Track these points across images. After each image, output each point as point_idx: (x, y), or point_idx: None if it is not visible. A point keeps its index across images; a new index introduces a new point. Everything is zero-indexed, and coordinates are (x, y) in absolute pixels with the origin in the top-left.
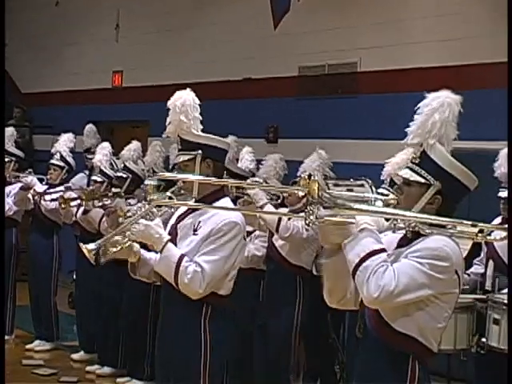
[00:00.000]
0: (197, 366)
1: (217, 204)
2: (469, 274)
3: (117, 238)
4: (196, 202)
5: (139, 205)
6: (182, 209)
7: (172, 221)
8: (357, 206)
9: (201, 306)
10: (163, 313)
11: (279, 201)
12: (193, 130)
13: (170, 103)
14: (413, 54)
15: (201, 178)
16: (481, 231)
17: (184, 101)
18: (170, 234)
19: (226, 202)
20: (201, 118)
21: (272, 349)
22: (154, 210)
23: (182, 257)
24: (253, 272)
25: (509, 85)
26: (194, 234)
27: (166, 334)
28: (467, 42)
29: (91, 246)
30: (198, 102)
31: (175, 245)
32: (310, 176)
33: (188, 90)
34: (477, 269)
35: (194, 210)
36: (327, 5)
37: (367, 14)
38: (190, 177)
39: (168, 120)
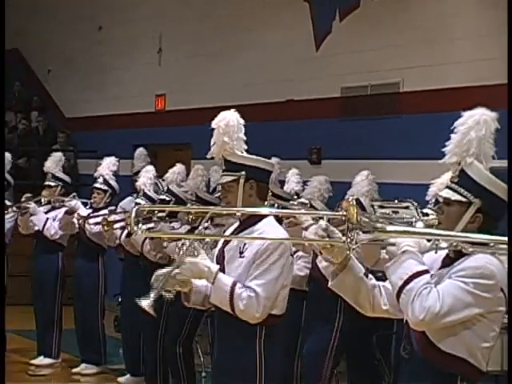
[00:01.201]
0: None
1: (261, 224)
2: None
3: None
4: (240, 222)
5: (179, 244)
6: (228, 231)
7: (219, 244)
8: (395, 228)
9: (255, 329)
10: (217, 337)
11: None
12: (236, 151)
13: (214, 124)
14: (455, 73)
15: (183, 208)
16: None
17: (228, 122)
18: (217, 257)
19: (269, 220)
20: (245, 138)
21: (304, 367)
22: (196, 243)
23: (234, 284)
24: (295, 293)
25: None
26: (241, 257)
27: (220, 358)
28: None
29: (146, 302)
30: (242, 122)
31: (223, 268)
32: (357, 200)
33: (232, 110)
34: None
35: (239, 231)
36: (368, 25)
37: (409, 34)
38: (168, 208)
39: (212, 141)
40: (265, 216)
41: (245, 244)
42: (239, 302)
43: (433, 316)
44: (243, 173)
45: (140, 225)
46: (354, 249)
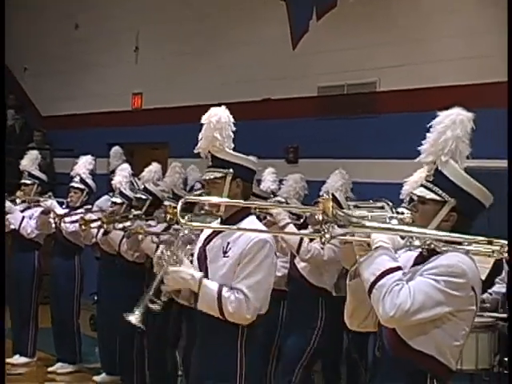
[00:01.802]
0: None
1: (243, 223)
2: (491, 293)
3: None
4: (222, 221)
5: (158, 254)
6: (208, 230)
7: (199, 243)
8: (371, 223)
9: (237, 329)
10: (198, 336)
11: (301, 221)
12: (225, 148)
13: (204, 119)
14: (432, 73)
15: (225, 200)
16: (498, 248)
17: (219, 118)
18: (198, 256)
19: (252, 220)
20: (233, 136)
21: (281, 365)
22: (178, 252)
23: (220, 289)
24: (273, 292)
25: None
26: (225, 257)
27: (200, 357)
28: (486, 61)
29: (134, 318)
30: (232, 120)
31: (206, 267)
32: (333, 196)
33: (223, 107)
34: (499, 288)
35: (220, 231)
36: (345, 25)
37: (386, 33)
38: (213, 199)
39: (201, 136)
40: (247, 215)
41: (228, 243)
42: (228, 305)
43: (403, 313)
44: (231, 170)
45: (186, 217)
46: (328, 241)
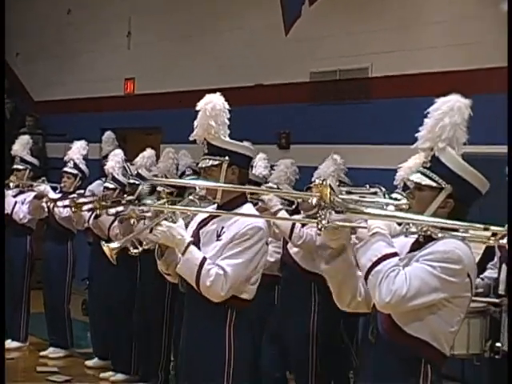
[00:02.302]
0: (220, 373)
1: (239, 210)
2: (482, 279)
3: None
4: (218, 207)
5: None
6: (204, 214)
7: (193, 226)
8: (368, 210)
9: (225, 312)
10: (186, 319)
11: (293, 207)
12: (221, 136)
13: (199, 106)
14: (425, 59)
15: (208, 183)
16: (494, 235)
17: (214, 105)
18: (192, 239)
19: (248, 207)
20: (228, 122)
21: (291, 358)
22: (178, 212)
23: (204, 259)
24: (266, 278)
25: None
26: (218, 240)
27: (188, 340)
28: (480, 46)
29: (114, 245)
30: (227, 107)
31: (199, 250)
32: (324, 181)
33: (218, 94)
34: (490, 273)
35: (217, 215)
36: (338, 10)
37: (379, 19)
38: (196, 182)
39: (196, 123)
40: (243, 202)
41: (223, 227)
42: (206, 278)
43: (399, 299)
44: (227, 158)
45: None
46: (325, 227)
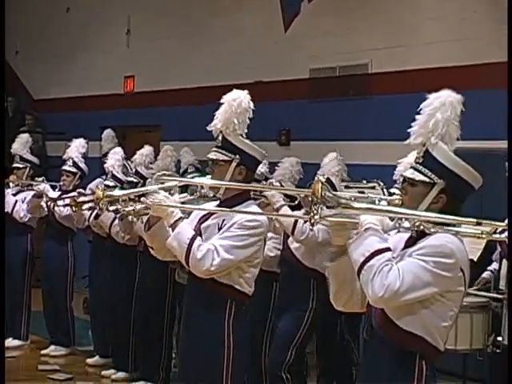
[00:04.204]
0: (219, 366)
1: (241, 206)
2: (492, 271)
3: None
4: (221, 202)
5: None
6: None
7: (194, 221)
8: (359, 204)
9: (225, 304)
10: (186, 312)
11: (296, 202)
12: (238, 134)
13: (225, 100)
14: (424, 55)
15: (210, 181)
16: (495, 232)
17: (240, 102)
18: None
19: (250, 205)
20: (248, 122)
21: (274, 346)
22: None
23: (195, 236)
24: (265, 274)
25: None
26: (218, 232)
27: (188, 332)
28: (479, 42)
29: (113, 193)
30: (252, 106)
31: None
32: (329, 180)
33: (246, 91)
34: (497, 265)
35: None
36: (337, 7)
37: (377, 15)
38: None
39: (217, 114)
40: (246, 200)
41: (224, 220)
42: (197, 251)
43: (392, 293)
44: (238, 157)
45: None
46: (317, 223)
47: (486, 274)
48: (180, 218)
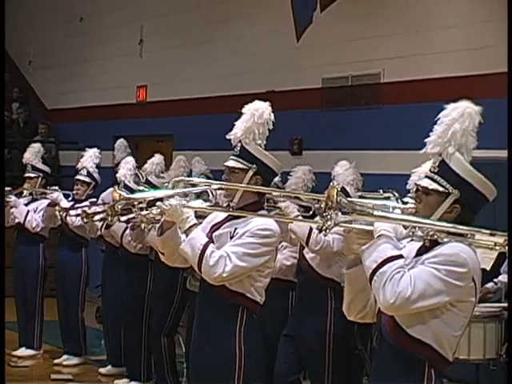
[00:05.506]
0: (231, 374)
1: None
2: (496, 283)
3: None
4: (233, 210)
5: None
6: (218, 218)
7: (206, 230)
8: (375, 212)
9: (236, 312)
10: (197, 319)
11: (310, 213)
12: (257, 144)
13: (247, 109)
14: (436, 64)
15: (217, 183)
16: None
17: (263, 113)
18: None
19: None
20: (268, 134)
21: (306, 363)
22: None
23: (209, 243)
24: (281, 283)
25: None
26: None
27: (199, 339)
28: (491, 51)
29: (126, 195)
30: (272, 118)
31: None
32: (343, 189)
33: (267, 103)
34: (504, 277)
35: (231, 219)
36: (349, 16)
37: (390, 24)
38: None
39: (238, 124)
40: (258, 209)
41: (236, 229)
42: (210, 258)
43: (403, 301)
44: (254, 166)
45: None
46: (331, 228)
47: (489, 285)
48: (194, 224)
